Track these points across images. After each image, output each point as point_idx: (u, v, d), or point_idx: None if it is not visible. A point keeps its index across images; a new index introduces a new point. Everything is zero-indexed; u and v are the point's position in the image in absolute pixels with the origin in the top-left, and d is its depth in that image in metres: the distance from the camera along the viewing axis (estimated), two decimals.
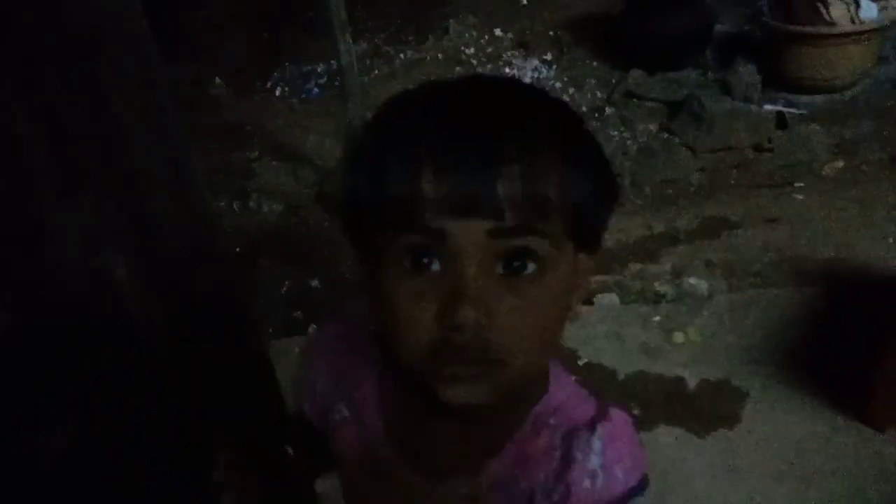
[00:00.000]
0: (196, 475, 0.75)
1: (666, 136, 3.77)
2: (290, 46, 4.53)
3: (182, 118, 0.83)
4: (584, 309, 2.92)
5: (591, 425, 0.69)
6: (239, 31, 4.83)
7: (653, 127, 3.83)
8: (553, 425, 0.70)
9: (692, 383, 2.51)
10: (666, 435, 2.32)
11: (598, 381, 2.57)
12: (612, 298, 3.03)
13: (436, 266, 0.60)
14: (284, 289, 3.16)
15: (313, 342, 0.85)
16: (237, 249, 3.44)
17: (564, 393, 0.74)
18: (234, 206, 3.72)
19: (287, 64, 4.54)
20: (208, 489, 0.75)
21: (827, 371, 2.38)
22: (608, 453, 0.68)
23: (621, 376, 2.60)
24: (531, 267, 0.61)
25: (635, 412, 2.44)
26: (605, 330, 2.81)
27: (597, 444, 0.68)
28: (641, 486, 0.69)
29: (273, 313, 2.96)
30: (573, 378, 0.77)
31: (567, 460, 0.68)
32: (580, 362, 2.66)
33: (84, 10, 0.68)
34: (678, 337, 2.73)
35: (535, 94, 0.67)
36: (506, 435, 0.71)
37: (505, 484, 0.71)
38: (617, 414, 0.72)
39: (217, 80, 4.61)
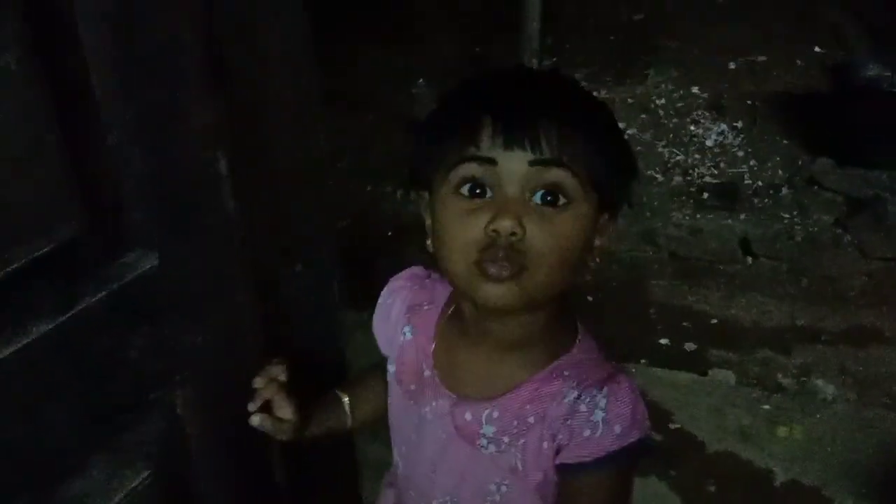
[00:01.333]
0: None
1: (839, 231, 3.60)
2: (489, 62, 4.74)
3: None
4: (695, 379, 2.91)
5: (601, 385, 0.83)
6: (453, 38, 5.13)
7: (827, 218, 3.66)
8: (567, 377, 0.85)
9: (780, 480, 2.43)
10: None
11: (681, 448, 2.55)
12: (727, 375, 2.97)
13: (488, 195, 0.79)
14: None
15: (393, 282, 1.04)
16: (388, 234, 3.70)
17: (586, 355, 0.89)
18: (398, 194, 4.00)
19: None
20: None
21: None
22: (611, 411, 0.81)
23: (709, 451, 2.55)
24: (561, 201, 0.78)
25: (711, 489, 2.40)
26: (710, 403, 2.76)
27: (602, 401, 0.82)
28: (636, 447, 0.82)
29: None
30: (596, 344, 0.92)
31: (573, 409, 0.82)
32: (671, 426, 2.64)
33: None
34: (782, 431, 2.63)
35: (579, 87, 0.87)
36: (526, 374, 0.87)
37: (513, 415, 0.85)
38: (624, 378, 0.85)
39: (421, 80, 4.91)
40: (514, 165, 0.77)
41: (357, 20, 4.83)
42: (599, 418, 0.81)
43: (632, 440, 0.82)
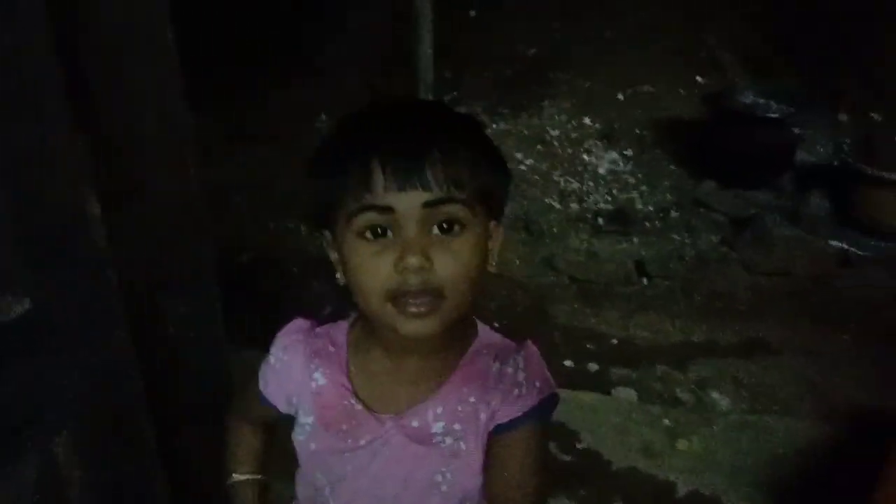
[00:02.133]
0: None
1: (725, 249, 3.79)
2: (388, 95, 4.81)
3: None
4: (599, 398, 2.99)
5: (517, 351, 0.94)
6: (356, 74, 5.17)
7: (714, 238, 3.86)
8: (485, 354, 0.95)
9: (682, 491, 2.51)
10: None
11: (589, 466, 2.61)
12: (629, 393, 3.07)
13: (389, 235, 0.84)
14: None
15: (282, 339, 1.03)
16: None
17: (491, 338, 0.98)
18: (302, 229, 3.99)
19: None
20: None
21: None
22: (529, 370, 0.93)
23: (614, 468, 2.62)
24: (457, 229, 0.85)
25: None
26: (613, 421, 2.84)
27: (521, 362, 0.93)
28: (552, 400, 0.93)
29: None
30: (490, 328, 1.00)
31: (501, 373, 0.92)
32: (579, 445, 2.70)
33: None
34: (682, 444, 2.73)
35: (449, 111, 0.94)
36: (451, 366, 0.94)
37: (456, 400, 0.92)
38: (530, 344, 0.97)
39: (322, 115, 4.92)
40: (410, 210, 0.82)
41: (257, 57, 4.82)
42: (522, 378, 0.92)
43: (548, 393, 0.93)
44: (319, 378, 0.97)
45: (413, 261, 0.81)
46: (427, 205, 0.82)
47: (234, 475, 1.06)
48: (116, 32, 0.83)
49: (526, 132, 4.59)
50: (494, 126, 4.75)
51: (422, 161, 0.82)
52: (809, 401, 3.02)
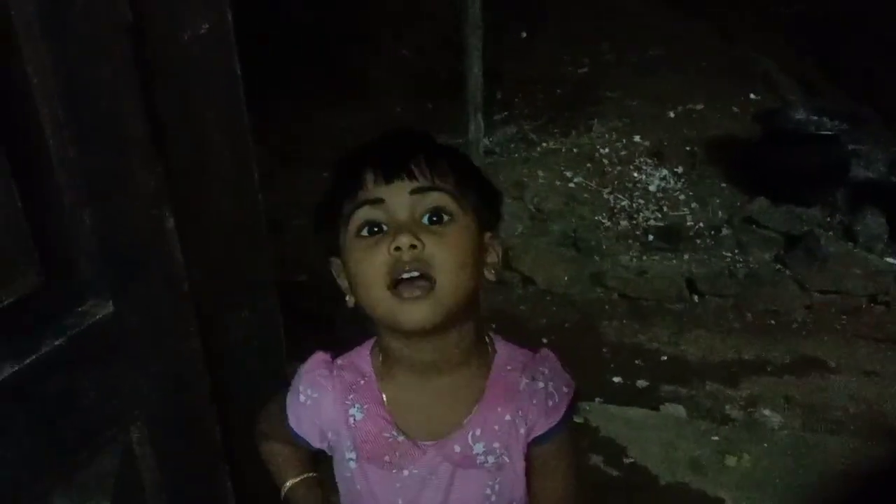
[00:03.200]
0: None
1: (778, 267, 3.76)
2: (436, 118, 4.90)
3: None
4: (647, 414, 3.01)
5: (537, 362, 1.00)
6: (406, 97, 5.30)
7: (767, 256, 3.83)
8: (512, 370, 0.99)
9: None
10: None
11: (636, 481, 2.62)
12: (678, 409, 3.07)
13: (384, 229, 0.90)
14: None
15: (308, 375, 1.03)
16: None
17: (511, 352, 1.03)
18: None
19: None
20: None
21: None
22: (554, 378, 0.99)
23: (661, 483, 2.63)
24: (446, 219, 0.90)
25: None
26: (661, 437, 2.85)
27: (546, 372, 0.99)
28: (577, 396, 1.00)
29: None
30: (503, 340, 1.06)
31: (533, 389, 0.97)
32: (626, 460, 2.72)
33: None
34: (731, 460, 2.72)
35: (437, 141, 1.00)
36: (480, 385, 0.98)
37: (492, 420, 0.96)
38: (545, 349, 1.03)
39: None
40: (398, 198, 0.90)
41: (308, 84, 4.98)
42: (552, 388, 0.98)
43: (573, 394, 1.00)
44: (357, 413, 0.99)
45: (404, 239, 0.86)
46: (414, 192, 0.90)
47: (286, 484, 1.08)
48: (188, 71, 0.93)
49: (575, 150, 4.64)
50: (544, 145, 4.81)
51: (407, 158, 0.91)
52: (863, 420, 2.98)
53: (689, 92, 4.99)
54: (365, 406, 0.98)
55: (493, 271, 0.97)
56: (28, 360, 0.76)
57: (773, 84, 5.05)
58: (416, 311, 0.87)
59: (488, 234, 0.97)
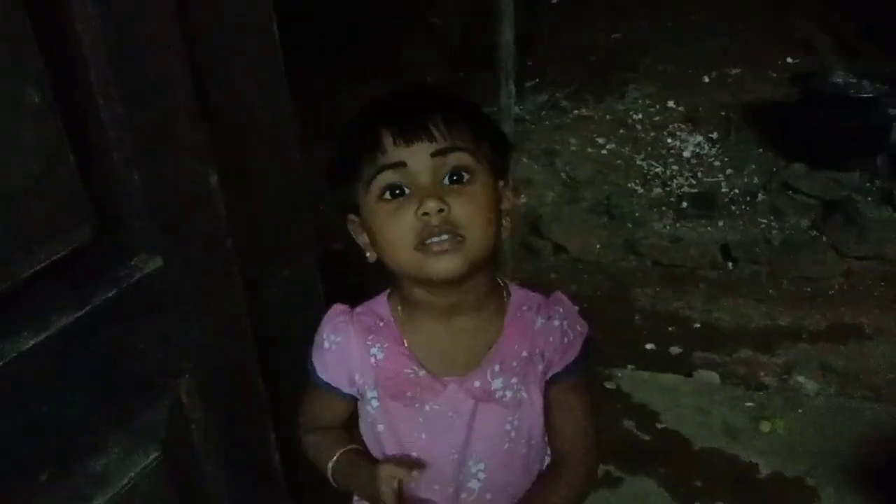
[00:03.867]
0: None
1: (815, 233, 3.72)
2: (471, 87, 4.88)
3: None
4: (680, 380, 3.01)
5: (551, 302, 1.04)
6: (438, 68, 5.29)
7: (803, 222, 3.79)
8: (526, 310, 1.04)
9: (765, 472, 2.52)
10: None
11: (669, 446, 2.64)
12: (711, 376, 3.07)
13: (406, 192, 0.92)
14: None
15: (329, 323, 1.07)
16: None
17: (524, 295, 1.07)
18: None
19: None
20: None
21: None
22: (568, 317, 1.04)
23: (696, 448, 2.64)
24: (466, 177, 0.93)
25: (698, 484, 2.49)
26: (694, 403, 2.86)
27: (560, 310, 1.03)
28: (591, 341, 1.04)
29: None
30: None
31: (549, 327, 1.02)
32: (658, 425, 2.74)
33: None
34: (765, 426, 2.72)
35: (446, 91, 1.02)
36: (497, 326, 1.02)
37: (510, 357, 1.00)
38: (560, 294, 1.07)
39: None
40: (420, 160, 0.91)
41: (339, 56, 4.98)
42: (566, 325, 1.02)
43: (588, 333, 1.04)
44: (378, 352, 1.02)
45: (431, 204, 0.88)
46: (435, 154, 0.91)
47: (329, 462, 1.06)
48: (229, 32, 0.95)
49: (609, 117, 4.60)
50: (576, 111, 4.77)
51: (424, 119, 0.91)
52: None
53: (723, 57, 4.91)
54: (385, 346, 1.03)
55: (508, 218, 1.00)
56: (83, 311, 0.79)
57: (811, 47, 4.94)
58: (445, 263, 0.91)
59: (500, 183, 0.99)
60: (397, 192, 0.92)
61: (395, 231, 0.91)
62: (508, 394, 1.01)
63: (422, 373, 1.00)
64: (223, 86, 0.95)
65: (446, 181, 0.92)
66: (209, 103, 0.91)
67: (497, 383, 1.00)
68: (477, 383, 1.00)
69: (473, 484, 1.04)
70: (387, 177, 0.91)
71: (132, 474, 0.89)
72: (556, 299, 1.05)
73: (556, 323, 1.02)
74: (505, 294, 1.05)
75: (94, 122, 0.79)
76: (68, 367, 0.79)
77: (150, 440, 0.90)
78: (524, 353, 1.01)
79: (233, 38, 0.95)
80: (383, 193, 0.92)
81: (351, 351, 1.03)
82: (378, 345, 1.02)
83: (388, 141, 0.91)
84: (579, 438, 1.04)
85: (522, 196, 3.88)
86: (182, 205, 0.89)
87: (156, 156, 0.85)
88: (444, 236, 0.90)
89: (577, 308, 1.07)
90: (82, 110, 0.77)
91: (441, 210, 0.89)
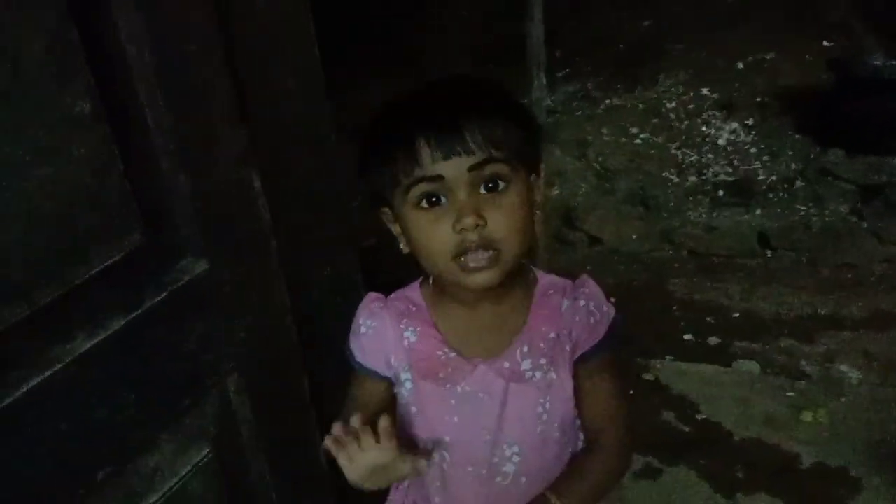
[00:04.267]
0: None
1: (855, 220, 3.65)
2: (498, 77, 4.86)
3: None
4: (720, 371, 2.99)
5: (577, 286, 1.06)
6: (463, 64, 5.29)
7: (843, 209, 3.72)
8: (552, 293, 1.06)
9: (807, 462, 2.48)
10: None
11: (710, 437, 2.62)
12: (751, 366, 3.04)
13: (443, 201, 0.93)
14: None
15: (364, 310, 1.10)
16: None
17: (551, 279, 1.09)
18: None
19: None
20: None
21: None
22: (595, 298, 1.05)
23: (736, 438, 2.62)
24: (502, 185, 0.94)
25: (739, 475, 2.47)
26: (735, 393, 2.83)
27: (585, 292, 1.05)
28: (619, 322, 1.05)
29: None
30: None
31: (575, 307, 1.03)
32: (698, 416, 2.72)
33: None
34: (806, 416, 2.69)
35: (477, 80, 1.01)
36: (524, 310, 1.04)
37: (538, 338, 1.02)
38: (584, 275, 1.08)
39: None
40: (457, 175, 0.92)
41: (366, 53, 5.00)
42: (592, 306, 1.04)
43: (615, 314, 1.05)
44: (411, 335, 1.05)
45: (469, 221, 0.90)
46: (472, 168, 0.91)
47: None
48: (267, 35, 0.96)
49: (641, 106, 4.56)
50: (608, 101, 4.74)
51: (460, 129, 0.91)
52: None
53: (758, 42, 4.83)
54: (418, 329, 1.06)
55: (538, 212, 1.01)
56: (134, 315, 0.82)
57: (846, 30, 4.84)
58: (482, 279, 0.94)
59: (533, 176, 1.00)
60: (433, 199, 0.93)
61: (433, 242, 0.94)
62: (538, 374, 1.02)
63: (452, 354, 1.03)
64: (262, 89, 0.96)
65: (482, 189, 0.93)
66: (249, 107, 0.92)
67: (526, 364, 1.02)
68: (506, 364, 1.02)
69: (508, 468, 1.06)
70: (423, 188, 0.93)
71: (183, 472, 0.91)
72: (582, 282, 1.07)
73: (582, 303, 1.03)
74: (532, 279, 1.08)
75: (140, 131, 0.81)
76: (121, 370, 0.81)
77: (200, 439, 0.92)
78: (552, 335, 1.02)
79: (270, 43, 0.96)
80: (420, 202, 0.94)
81: (386, 334, 1.07)
82: (411, 328, 1.06)
83: (425, 153, 0.92)
84: (611, 419, 1.06)
85: (555, 188, 3.86)
86: (226, 208, 0.91)
87: (200, 161, 0.87)
88: (481, 252, 0.92)
89: (602, 291, 1.08)
90: (129, 119, 0.80)
91: (478, 225, 0.91)
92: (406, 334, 1.06)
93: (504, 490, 1.07)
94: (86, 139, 0.73)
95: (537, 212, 1.00)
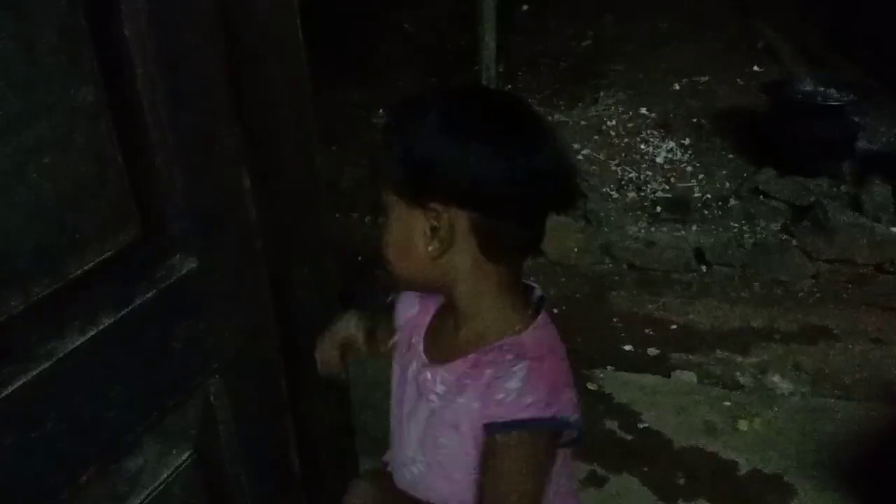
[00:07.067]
0: None
1: (785, 237, 3.81)
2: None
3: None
4: (659, 381, 3.07)
5: (525, 361, 0.94)
6: (414, 72, 5.31)
7: (774, 226, 3.88)
8: (493, 361, 0.96)
9: (744, 470, 2.58)
10: None
11: (651, 445, 2.69)
12: (689, 376, 3.14)
13: None
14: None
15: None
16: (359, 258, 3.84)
17: (534, 343, 0.98)
18: (366, 220, 4.15)
19: None
20: None
21: (884, 495, 2.39)
22: (528, 384, 0.92)
23: (676, 446, 2.70)
24: (390, 211, 0.96)
25: (680, 481, 2.55)
26: (674, 403, 2.92)
27: (521, 373, 0.92)
28: (552, 424, 0.93)
29: None
30: (551, 341, 1.03)
31: (495, 376, 0.94)
32: (640, 425, 2.79)
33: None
34: (743, 424, 2.80)
35: (443, 96, 0.98)
36: (473, 346, 0.99)
37: (458, 375, 0.99)
38: (550, 364, 0.97)
39: (381, 111, 5.06)
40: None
41: (319, 60, 4.97)
42: (514, 387, 0.92)
43: (543, 416, 0.91)
44: (415, 309, 1.12)
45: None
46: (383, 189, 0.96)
47: None
48: (259, 37, 0.96)
49: (583, 123, 4.66)
50: (550, 118, 4.82)
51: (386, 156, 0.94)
52: (870, 385, 3.05)
53: (694, 64, 5.00)
54: (422, 308, 1.12)
55: (437, 243, 0.94)
56: (126, 311, 0.80)
57: (777, 56, 5.07)
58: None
59: (418, 211, 0.94)
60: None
61: None
62: (440, 403, 1.01)
63: (414, 340, 1.08)
64: (255, 88, 0.96)
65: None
66: (242, 106, 0.92)
67: (440, 388, 1.01)
68: (429, 375, 1.03)
69: (415, 469, 1.05)
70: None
71: (165, 475, 0.89)
72: (535, 362, 0.95)
73: (500, 376, 0.93)
74: (518, 329, 0.99)
75: (139, 124, 0.79)
76: (111, 368, 0.79)
77: (182, 440, 0.90)
78: (466, 381, 0.98)
79: (264, 42, 0.95)
80: None
81: (413, 298, 1.13)
82: (421, 305, 1.12)
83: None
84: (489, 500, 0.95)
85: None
86: (217, 205, 0.89)
87: (195, 157, 0.85)
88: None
89: (554, 388, 0.95)
90: (129, 112, 0.78)
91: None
92: (415, 302, 1.13)
93: (410, 486, 1.07)
94: (89, 129, 0.71)
95: (436, 244, 0.94)
